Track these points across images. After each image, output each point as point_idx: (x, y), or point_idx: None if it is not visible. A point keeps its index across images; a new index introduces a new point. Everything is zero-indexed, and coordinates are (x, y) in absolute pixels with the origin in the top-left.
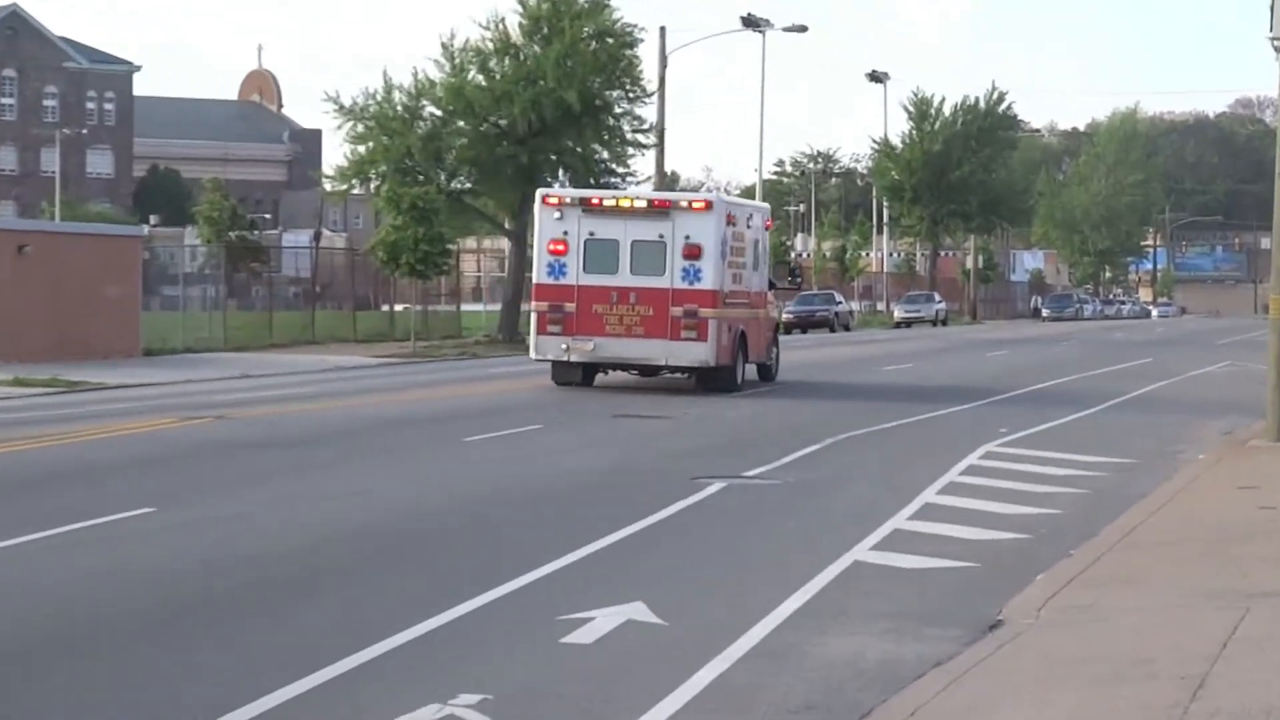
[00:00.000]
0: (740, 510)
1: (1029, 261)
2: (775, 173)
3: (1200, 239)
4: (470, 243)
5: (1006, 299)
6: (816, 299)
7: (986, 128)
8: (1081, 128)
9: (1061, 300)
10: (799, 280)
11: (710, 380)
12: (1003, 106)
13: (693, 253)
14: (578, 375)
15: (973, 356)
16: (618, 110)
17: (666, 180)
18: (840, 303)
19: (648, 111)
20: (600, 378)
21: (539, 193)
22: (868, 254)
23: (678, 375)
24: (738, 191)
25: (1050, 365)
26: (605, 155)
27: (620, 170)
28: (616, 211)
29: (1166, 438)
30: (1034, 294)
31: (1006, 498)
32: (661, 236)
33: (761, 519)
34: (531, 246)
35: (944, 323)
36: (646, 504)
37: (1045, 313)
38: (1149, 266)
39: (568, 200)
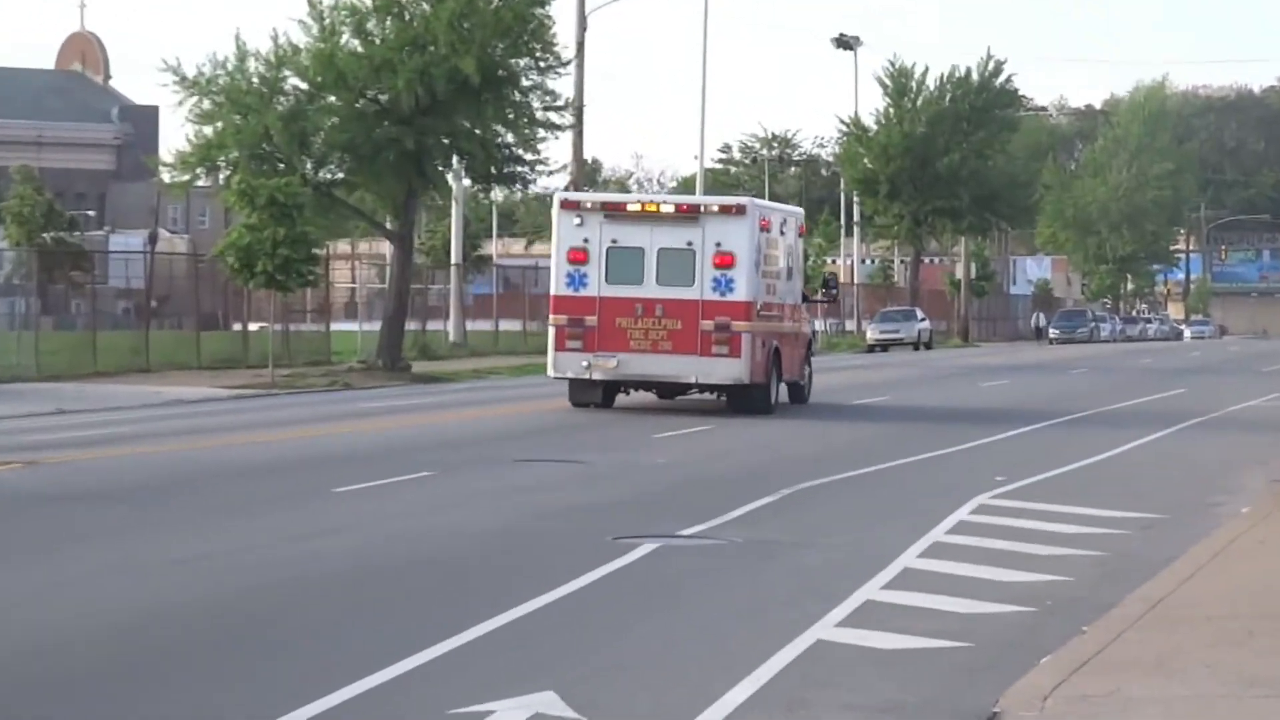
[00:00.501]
0: (675, 577)
1: (1033, 270)
2: (720, 160)
3: (1243, 242)
4: (343, 246)
5: (1005, 316)
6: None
7: (980, 105)
8: (1098, 105)
9: (1073, 318)
10: (835, 292)
11: (743, 400)
12: (1001, 79)
13: (725, 261)
14: (598, 395)
15: (963, 387)
16: (525, 83)
17: (586, 170)
18: (923, 319)
19: (563, 85)
20: (621, 398)
21: (557, 196)
22: (833, 260)
23: (707, 395)
24: (673, 184)
25: (1058, 398)
26: (510, 138)
27: (529, 157)
28: (641, 217)
29: (1202, 487)
30: (1038, 310)
31: (1005, 561)
32: (690, 244)
33: (701, 588)
34: (416, 249)
35: (928, 345)
36: (559, 570)
37: (1053, 333)
38: (1180, 276)
39: (589, 204)
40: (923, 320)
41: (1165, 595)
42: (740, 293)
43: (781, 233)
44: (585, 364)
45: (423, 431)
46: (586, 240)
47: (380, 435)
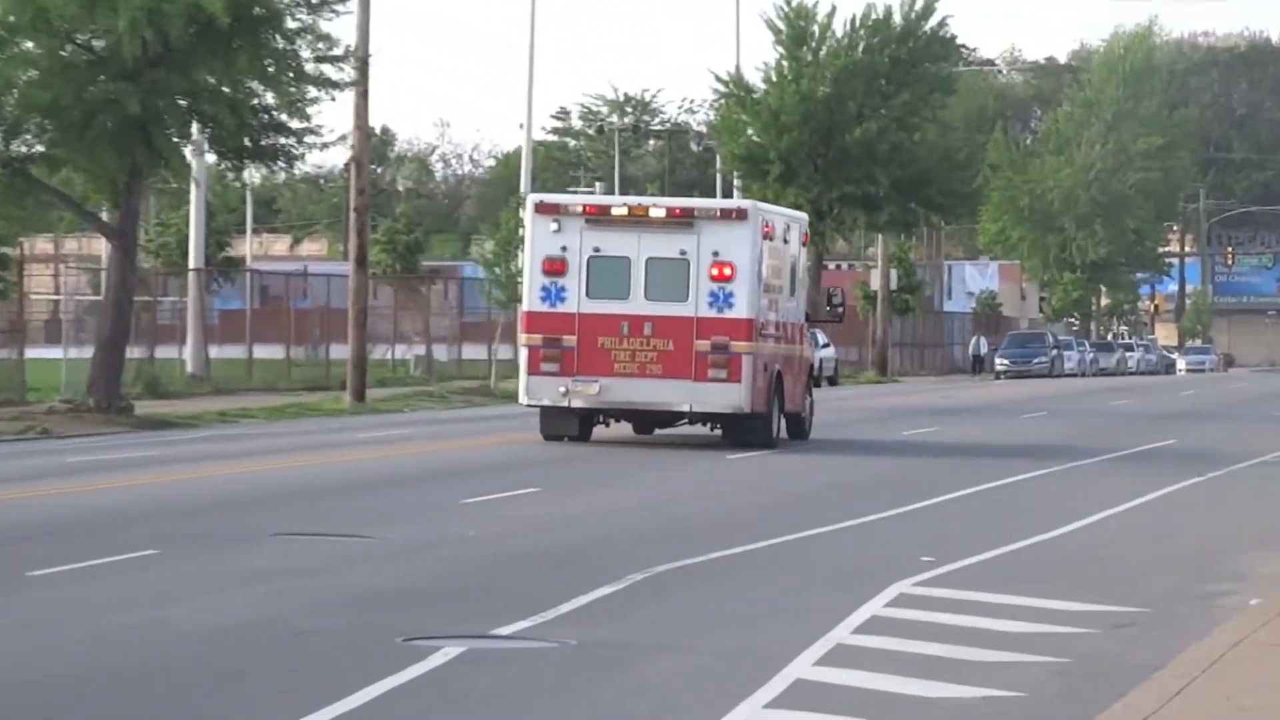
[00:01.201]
0: (480, 695)
1: (974, 280)
2: (555, 129)
3: (1257, 242)
4: (43, 245)
5: (937, 342)
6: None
7: (905, 58)
8: (1063, 59)
9: (1027, 344)
10: (841, 311)
11: (741, 431)
12: (932, 23)
13: (723, 273)
14: (574, 426)
15: (879, 435)
16: (291, 24)
17: (374, 142)
18: (825, 345)
19: (341, 28)
20: (600, 431)
21: (531, 199)
22: None
23: (697, 427)
24: (490, 161)
25: (1005, 451)
26: (270, 99)
27: (295, 124)
28: (628, 221)
29: (1195, 571)
30: (978, 334)
31: (930, 671)
32: (684, 253)
33: (513, 711)
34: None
35: (830, 380)
36: (316, 686)
37: (1001, 364)
38: (1172, 289)
39: (567, 207)
40: (825, 346)
41: (1145, 717)
42: (740, 309)
43: (785, 240)
44: (563, 390)
45: (148, 495)
46: (564, 248)
47: (91, 499)
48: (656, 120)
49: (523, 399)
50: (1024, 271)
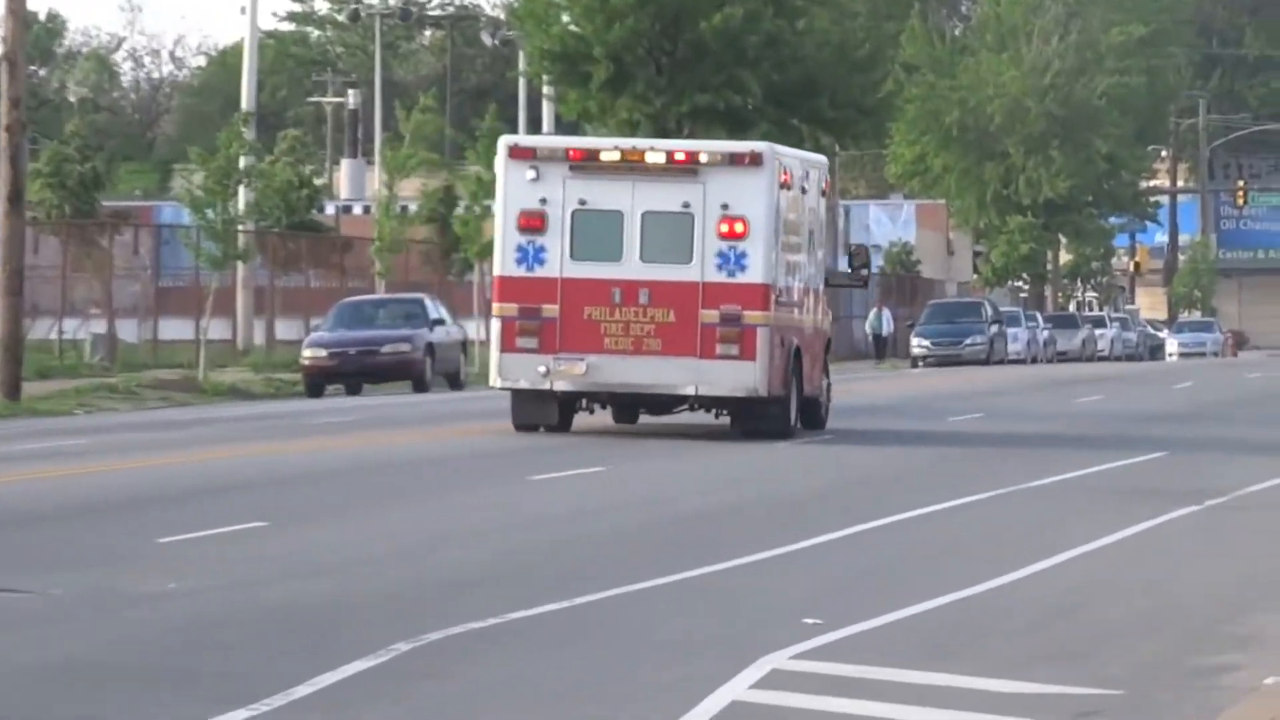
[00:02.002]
0: None
1: (881, 226)
2: (292, 14)
3: (1278, 172)
4: None
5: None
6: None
7: None
8: None
9: (955, 319)
10: (866, 273)
11: (754, 419)
12: None
13: (734, 230)
14: (553, 414)
15: (748, 453)
16: None
17: (33, 32)
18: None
19: None
20: (583, 418)
21: (503, 141)
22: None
23: (699, 414)
24: (201, 60)
25: (928, 469)
26: None
27: None
28: (620, 168)
29: (1188, 637)
30: (882, 304)
31: None
32: (687, 205)
33: None
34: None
35: None
36: None
37: (919, 347)
38: (1160, 240)
39: (547, 151)
40: None
41: None
42: (755, 272)
43: (803, 190)
44: (543, 369)
45: None
46: (544, 200)
47: None
48: (434, 3)
49: (494, 380)
50: (951, 216)
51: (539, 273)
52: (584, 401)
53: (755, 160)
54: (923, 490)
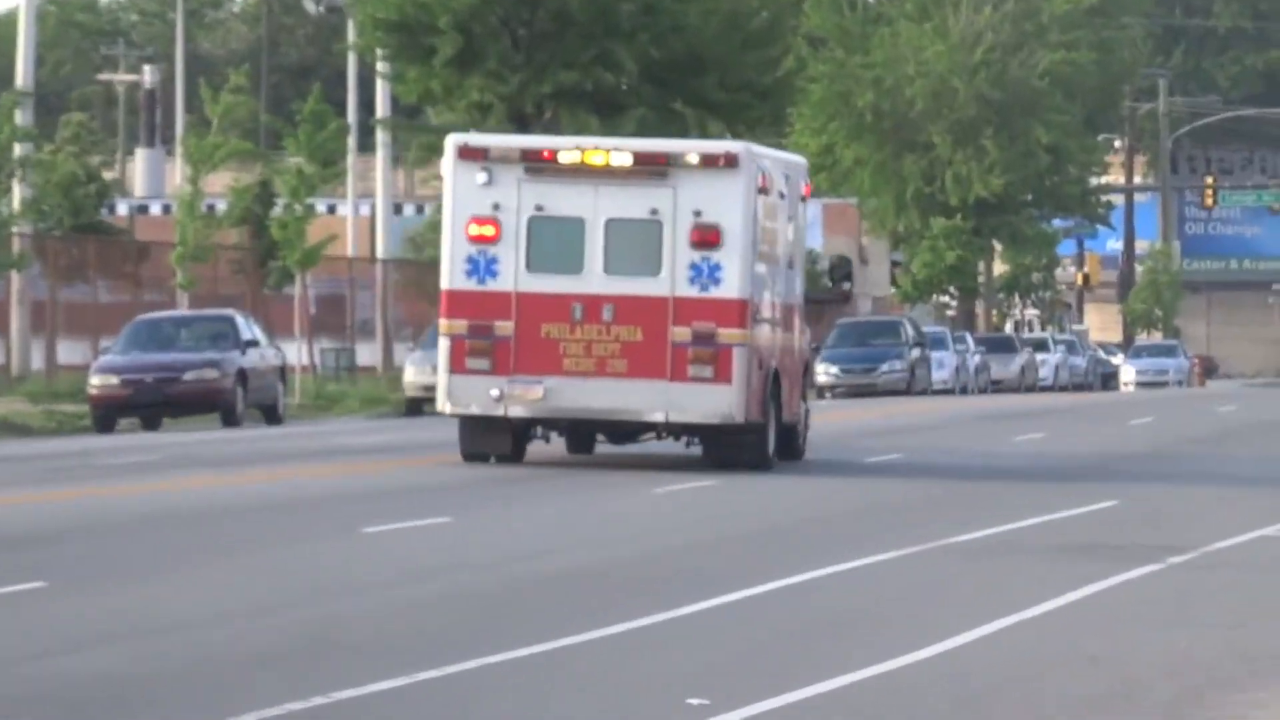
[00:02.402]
0: None
1: None
2: None
3: (1253, 166)
4: None
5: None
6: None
7: None
8: None
9: (868, 341)
10: (849, 286)
11: (729, 448)
12: None
13: (707, 238)
14: (506, 443)
15: (628, 497)
16: None
17: None
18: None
19: None
20: (538, 447)
21: (451, 140)
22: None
23: (666, 443)
24: None
25: (839, 516)
26: None
27: None
28: (581, 171)
29: None
30: None
31: None
32: (656, 213)
33: None
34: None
35: None
36: None
37: (826, 374)
38: (1114, 247)
39: (499, 152)
40: None
41: None
42: (731, 285)
43: (781, 195)
44: (495, 393)
45: None
46: (497, 206)
47: None
48: None
49: (442, 405)
50: (865, 218)
51: (491, 286)
52: (539, 429)
53: (731, 162)
54: (841, 543)
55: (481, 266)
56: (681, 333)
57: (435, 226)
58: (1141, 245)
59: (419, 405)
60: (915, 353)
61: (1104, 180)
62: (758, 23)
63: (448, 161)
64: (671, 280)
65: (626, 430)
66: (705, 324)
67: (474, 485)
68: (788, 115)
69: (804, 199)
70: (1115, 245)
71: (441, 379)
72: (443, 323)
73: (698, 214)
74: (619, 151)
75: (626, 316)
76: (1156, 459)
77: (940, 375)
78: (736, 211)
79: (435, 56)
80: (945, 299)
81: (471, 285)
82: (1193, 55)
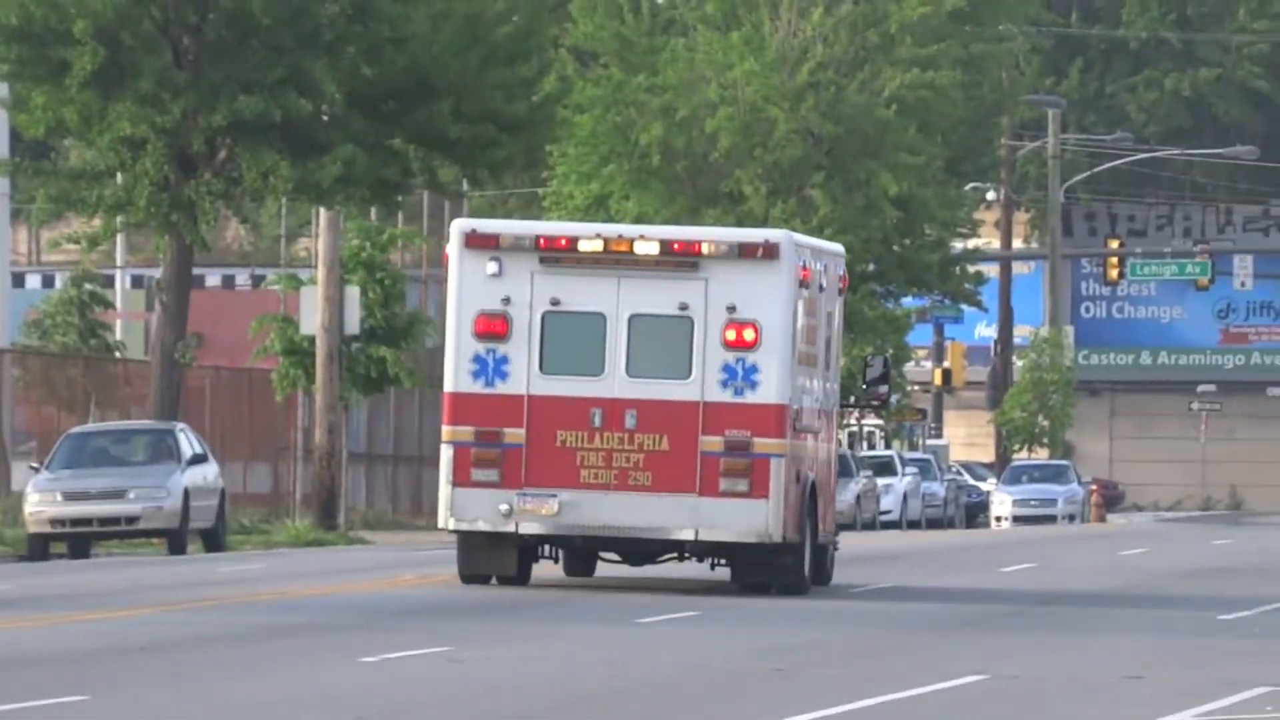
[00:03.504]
0: None
1: None
2: None
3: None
4: None
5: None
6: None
7: None
8: None
9: None
10: (886, 391)
11: (763, 570)
12: None
13: (743, 338)
14: (511, 563)
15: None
16: None
17: None
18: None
19: None
20: (544, 568)
21: (458, 226)
22: None
23: (694, 563)
24: None
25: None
26: None
27: None
28: (603, 261)
29: None
30: None
31: None
32: (685, 308)
33: None
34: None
35: (213, 538)
36: None
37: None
38: (984, 334)
39: (511, 239)
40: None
41: None
42: (769, 390)
43: (821, 289)
44: (505, 508)
45: None
46: (508, 300)
47: None
48: None
49: (444, 521)
50: None
51: (501, 389)
52: (547, 547)
53: (771, 252)
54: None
55: (490, 367)
56: (713, 442)
57: (68, 305)
58: (1022, 332)
59: (44, 544)
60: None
61: (972, 245)
62: (505, 31)
63: (453, 249)
64: (702, 383)
65: (652, 549)
66: (739, 432)
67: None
68: (546, 155)
69: (841, 292)
70: (987, 332)
71: (444, 492)
72: (446, 429)
73: (732, 310)
74: (645, 240)
75: (651, 423)
76: (1037, 619)
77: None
78: (776, 307)
79: (69, 74)
80: None
81: (478, 388)
82: (1095, 77)
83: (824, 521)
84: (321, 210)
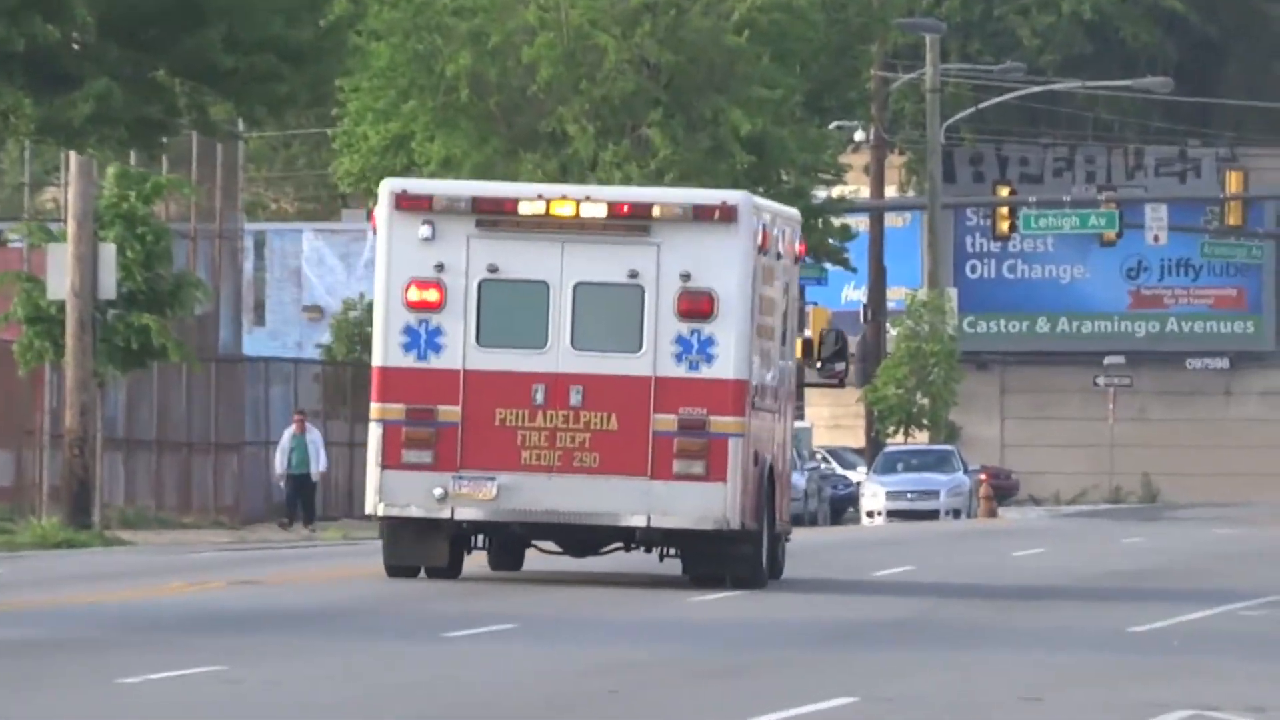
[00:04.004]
0: None
1: (325, 270)
2: None
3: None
4: None
5: (236, 437)
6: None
7: None
8: None
9: None
10: (843, 369)
11: (718, 561)
12: None
13: (698, 306)
14: (442, 553)
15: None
16: None
17: None
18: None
19: None
20: (474, 561)
21: (387, 186)
22: None
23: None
24: None
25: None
26: None
27: None
28: (545, 225)
29: None
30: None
31: None
32: (635, 275)
33: None
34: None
35: None
36: None
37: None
38: (849, 298)
39: (445, 201)
40: None
41: None
42: (726, 364)
43: (779, 256)
44: (439, 493)
45: None
46: (442, 267)
47: None
48: None
49: (372, 507)
50: None
51: (434, 363)
52: (479, 537)
53: (728, 215)
54: None
55: (422, 339)
56: (666, 420)
57: None
58: (897, 295)
59: None
60: None
61: (838, 193)
62: None
63: (382, 212)
64: (654, 357)
65: (598, 537)
66: (694, 410)
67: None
68: (335, 90)
69: (798, 260)
70: (855, 295)
71: (372, 475)
72: (375, 406)
73: (686, 277)
74: (591, 202)
75: (599, 401)
76: (916, 631)
77: None
78: (734, 275)
79: None
80: None
81: (410, 362)
82: None
83: (781, 509)
84: (72, 155)
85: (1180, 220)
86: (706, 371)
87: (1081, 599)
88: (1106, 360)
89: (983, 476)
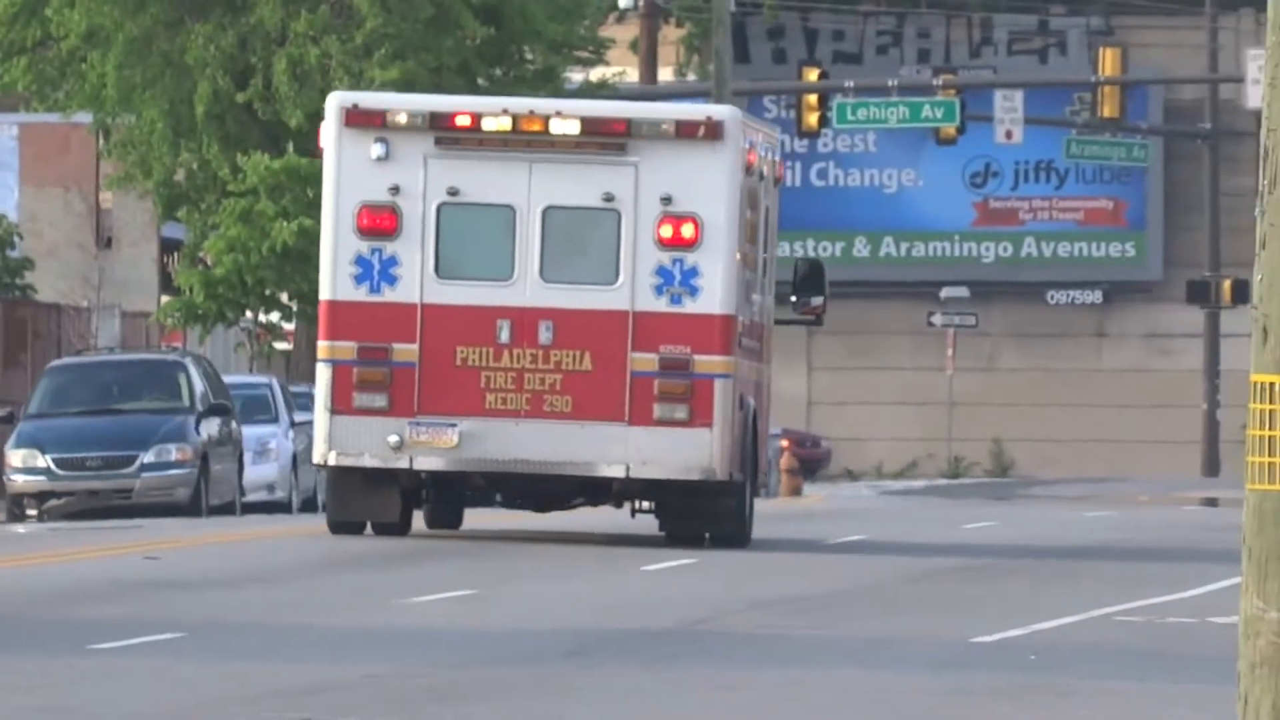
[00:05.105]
0: None
1: None
2: None
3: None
4: None
5: None
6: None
7: None
8: None
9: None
10: (822, 301)
11: (700, 516)
12: None
13: (681, 233)
14: (393, 507)
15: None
16: None
17: None
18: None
19: None
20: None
21: (335, 100)
22: None
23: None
24: None
25: None
26: None
27: None
28: (511, 143)
29: None
30: None
31: None
32: (611, 199)
33: None
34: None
35: None
36: None
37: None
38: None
39: (400, 116)
40: None
41: None
42: (711, 297)
43: (762, 176)
44: (394, 440)
45: None
46: (397, 190)
47: None
48: None
49: (320, 456)
50: (113, 154)
51: (389, 296)
52: (429, 490)
53: (713, 132)
54: None
55: (375, 270)
56: (645, 360)
57: None
58: None
59: None
60: (211, 429)
61: (597, 77)
62: None
63: (330, 129)
64: (632, 289)
65: (567, 489)
66: (677, 348)
67: None
68: None
69: (778, 182)
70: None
71: (320, 421)
72: (322, 345)
73: (667, 201)
74: (562, 118)
75: (571, 338)
76: (688, 646)
77: (262, 474)
78: (720, 199)
79: None
80: (273, 319)
81: (362, 295)
82: None
83: (763, 459)
84: None
85: (1040, 111)
86: (690, 305)
87: (884, 602)
88: (944, 293)
89: (784, 443)
